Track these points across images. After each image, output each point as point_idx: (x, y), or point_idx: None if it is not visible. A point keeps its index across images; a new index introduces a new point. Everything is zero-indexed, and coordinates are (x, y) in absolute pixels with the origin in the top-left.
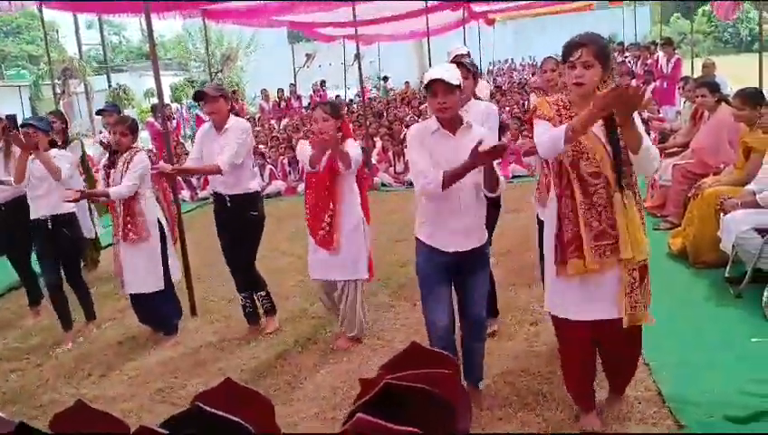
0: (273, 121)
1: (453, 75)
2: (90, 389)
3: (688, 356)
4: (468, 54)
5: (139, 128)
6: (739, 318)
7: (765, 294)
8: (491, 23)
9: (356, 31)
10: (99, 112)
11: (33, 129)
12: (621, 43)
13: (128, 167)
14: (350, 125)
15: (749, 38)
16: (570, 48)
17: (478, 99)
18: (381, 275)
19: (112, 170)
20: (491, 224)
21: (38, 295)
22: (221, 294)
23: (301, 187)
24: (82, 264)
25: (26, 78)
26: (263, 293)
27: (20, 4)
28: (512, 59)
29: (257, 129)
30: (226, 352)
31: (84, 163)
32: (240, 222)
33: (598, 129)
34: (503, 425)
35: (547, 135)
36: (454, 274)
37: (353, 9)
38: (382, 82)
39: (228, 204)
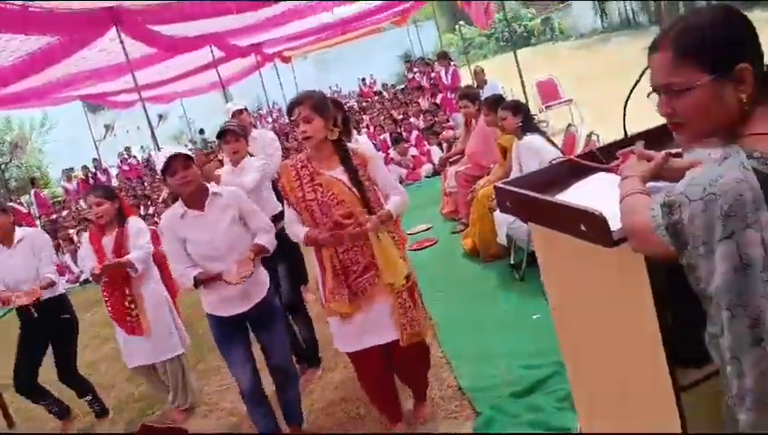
0: (81, 202)
1: (185, 150)
2: None
3: (483, 345)
4: (246, 109)
5: None
6: (523, 300)
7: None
8: (287, 60)
9: (140, 95)
10: None
11: None
12: (409, 61)
13: None
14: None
15: (525, 34)
16: (290, 108)
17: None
18: (208, 337)
19: None
20: (294, 260)
21: None
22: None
23: None
24: None
25: None
26: (89, 397)
27: None
28: (318, 91)
29: (64, 213)
30: None
31: None
32: (52, 329)
33: (341, 173)
34: None
35: (292, 229)
36: (248, 329)
37: (133, 75)
38: (199, 135)
39: (35, 313)
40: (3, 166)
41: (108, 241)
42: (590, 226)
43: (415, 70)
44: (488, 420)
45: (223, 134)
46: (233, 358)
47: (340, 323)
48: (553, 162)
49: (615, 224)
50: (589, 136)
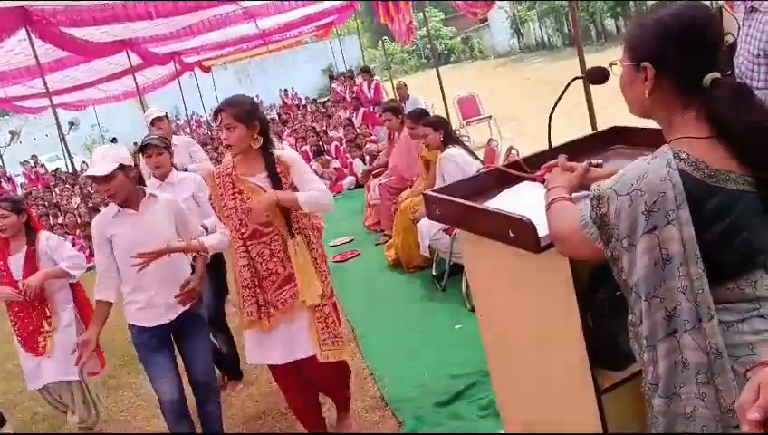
0: None
1: (106, 164)
2: None
3: (406, 356)
4: (166, 116)
5: None
6: (445, 310)
7: (463, 284)
8: (207, 70)
9: (51, 100)
10: None
11: None
12: (332, 75)
13: None
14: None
15: (445, 52)
16: (214, 114)
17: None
18: (120, 353)
19: None
20: (218, 273)
21: None
22: None
23: None
24: None
25: None
26: None
27: None
28: (245, 97)
29: None
30: None
31: None
32: None
33: (263, 180)
34: None
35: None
36: (172, 340)
37: (43, 79)
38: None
39: None
40: None
41: (16, 259)
42: (518, 232)
43: (336, 83)
44: (412, 431)
45: (144, 148)
46: (155, 370)
47: (256, 335)
48: (480, 171)
49: (542, 230)
50: (509, 150)
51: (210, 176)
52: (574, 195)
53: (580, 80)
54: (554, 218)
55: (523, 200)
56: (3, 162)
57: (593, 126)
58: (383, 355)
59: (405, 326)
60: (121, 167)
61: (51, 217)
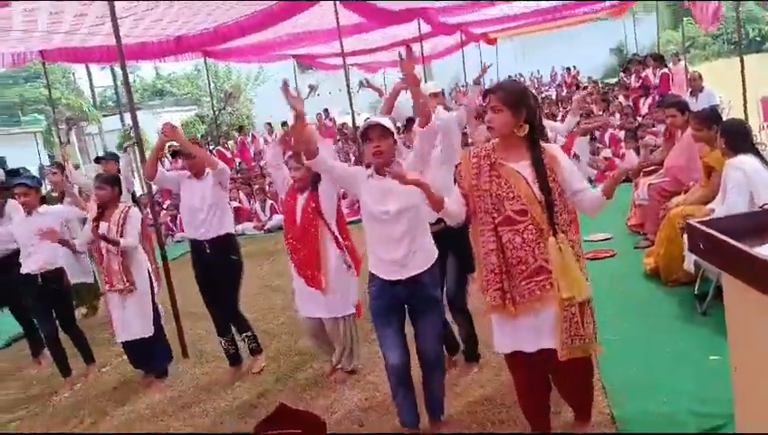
0: None
1: (388, 122)
2: None
3: (647, 376)
4: (442, 92)
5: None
6: (703, 335)
7: None
8: (492, 42)
9: (344, 61)
10: (97, 160)
11: (24, 187)
12: (630, 60)
13: (124, 222)
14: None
15: (758, 39)
16: (484, 94)
17: None
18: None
19: (102, 222)
20: (463, 256)
21: (39, 345)
22: (214, 335)
23: None
24: (84, 310)
25: (41, 124)
26: (248, 333)
27: (21, 57)
28: (519, 74)
29: (262, 163)
30: (212, 394)
31: None
32: (221, 267)
33: (525, 168)
34: None
35: (451, 207)
36: (404, 310)
37: (340, 41)
38: None
39: (207, 250)
40: (217, 111)
41: (300, 201)
42: None
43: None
44: None
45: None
46: (383, 330)
47: (503, 322)
48: (765, 207)
49: None
50: None
51: (466, 154)
52: None
53: None
54: None
55: None
56: None
57: None
58: (621, 370)
59: (653, 344)
60: (392, 133)
61: None
